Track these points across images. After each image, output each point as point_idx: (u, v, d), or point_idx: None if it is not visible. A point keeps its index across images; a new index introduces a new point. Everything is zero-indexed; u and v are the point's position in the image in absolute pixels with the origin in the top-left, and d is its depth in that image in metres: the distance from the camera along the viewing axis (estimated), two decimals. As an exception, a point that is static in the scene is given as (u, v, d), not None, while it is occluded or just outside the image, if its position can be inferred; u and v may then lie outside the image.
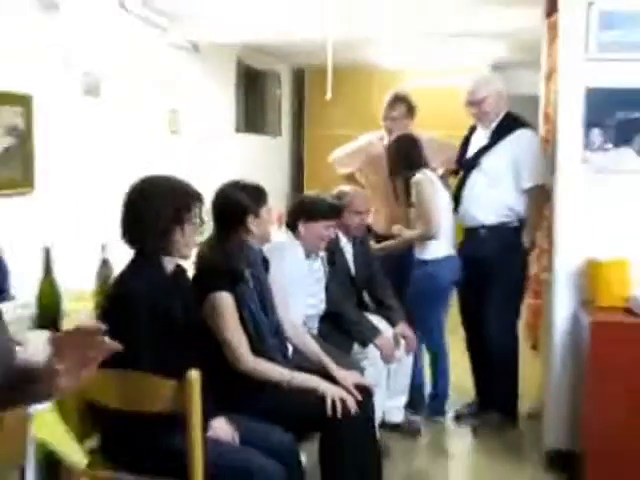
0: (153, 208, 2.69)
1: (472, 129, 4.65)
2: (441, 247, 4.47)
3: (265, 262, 3.37)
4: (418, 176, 4.48)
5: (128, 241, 2.75)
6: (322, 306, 3.94)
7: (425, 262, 4.50)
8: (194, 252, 2.94)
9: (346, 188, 4.38)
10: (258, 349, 3.07)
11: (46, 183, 4.50)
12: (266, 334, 3.16)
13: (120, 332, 2.56)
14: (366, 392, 3.25)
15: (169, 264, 2.76)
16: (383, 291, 4.37)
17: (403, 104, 5.06)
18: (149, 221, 2.69)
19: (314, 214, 3.75)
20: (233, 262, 3.10)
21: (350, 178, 5.26)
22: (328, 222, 3.76)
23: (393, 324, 4.15)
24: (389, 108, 5.07)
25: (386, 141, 5.06)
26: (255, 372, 3.00)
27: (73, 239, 4.18)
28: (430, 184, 4.47)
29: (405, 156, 4.60)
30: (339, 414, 2.97)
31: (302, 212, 3.79)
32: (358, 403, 3.05)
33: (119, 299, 2.68)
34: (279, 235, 3.85)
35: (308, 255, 3.83)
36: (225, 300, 3.01)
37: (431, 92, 7.63)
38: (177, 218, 2.67)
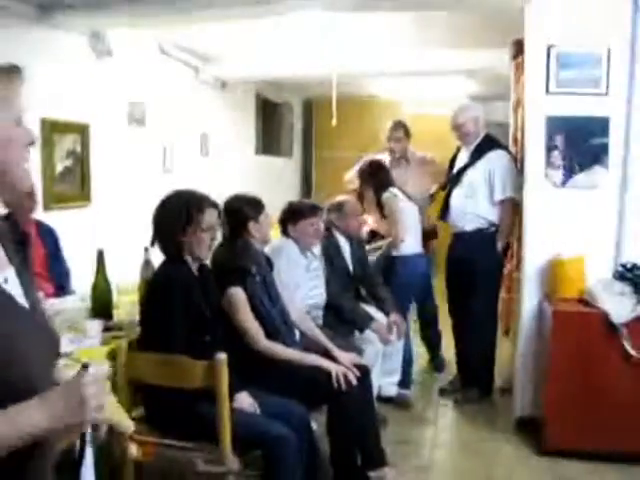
0: (166, 215, 2.74)
1: (458, 149, 4.68)
2: (409, 246, 4.57)
3: (268, 261, 3.39)
4: (386, 194, 4.59)
5: (154, 245, 2.80)
6: (323, 297, 3.93)
7: (395, 258, 4.59)
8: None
9: (344, 197, 4.44)
10: (271, 335, 3.09)
11: (100, 197, 4.55)
12: (277, 322, 3.18)
13: (157, 316, 2.63)
14: (364, 370, 3.27)
15: (193, 264, 2.78)
16: (376, 285, 4.39)
17: (402, 128, 5.25)
18: (163, 227, 2.74)
19: (298, 215, 3.77)
20: (240, 261, 3.12)
21: (355, 192, 5.29)
22: (310, 219, 3.77)
23: (387, 314, 4.16)
24: (392, 131, 5.25)
25: (387, 160, 5.17)
26: (270, 353, 3.02)
27: (121, 243, 4.21)
28: (395, 200, 4.58)
29: (375, 177, 4.66)
30: (343, 387, 2.99)
31: (289, 215, 3.82)
32: (357, 379, 3.07)
33: (157, 288, 2.71)
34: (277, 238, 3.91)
35: (303, 252, 3.82)
36: (237, 295, 3.02)
37: (422, 118, 7.63)
38: (185, 224, 2.69)
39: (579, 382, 3.51)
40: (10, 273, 1.31)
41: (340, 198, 4.40)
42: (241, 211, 3.21)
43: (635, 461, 3.46)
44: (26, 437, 1.13)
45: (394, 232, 4.57)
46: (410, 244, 4.58)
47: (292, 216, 3.78)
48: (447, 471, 3.62)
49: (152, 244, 2.80)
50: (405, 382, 4.47)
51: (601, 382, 3.49)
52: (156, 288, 2.72)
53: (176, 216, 2.72)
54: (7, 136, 1.27)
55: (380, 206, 4.63)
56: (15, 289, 1.30)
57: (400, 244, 4.54)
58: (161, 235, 2.77)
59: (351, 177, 5.45)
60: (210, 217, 2.75)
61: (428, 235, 5.01)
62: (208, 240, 2.76)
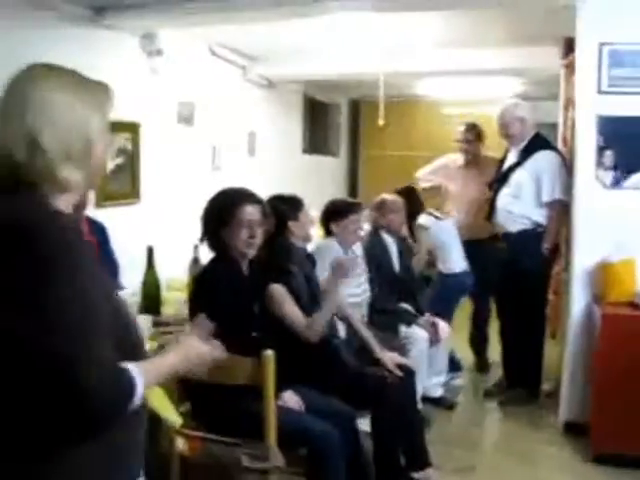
0: (209, 212, 2.77)
1: (507, 150, 4.62)
2: (453, 263, 4.64)
3: (310, 258, 3.39)
4: (419, 221, 4.72)
5: (203, 242, 2.83)
6: (366, 296, 3.92)
7: (439, 275, 4.67)
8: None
9: (385, 195, 4.43)
10: None
11: (150, 195, 4.61)
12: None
13: (204, 313, 2.65)
14: (407, 370, 3.25)
15: (242, 261, 2.79)
16: (416, 288, 4.39)
17: (473, 131, 5.20)
18: (207, 224, 2.77)
19: (339, 213, 3.77)
20: (279, 259, 3.11)
21: (430, 190, 5.40)
22: (351, 217, 3.77)
23: (422, 314, 4.17)
24: (463, 133, 5.21)
25: (460, 161, 5.22)
26: (320, 331, 2.98)
27: (171, 240, 4.25)
28: (423, 233, 4.75)
29: (406, 204, 4.65)
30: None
31: (331, 214, 3.81)
32: (400, 379, 3.06)
33: (203, 284, 2.74)
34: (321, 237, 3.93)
35: (345, 251, 3.81)
36: (277, 290, 3.00)
37: (468, 118, 7.55)
38: (224, 220, 2.71)
39: (627, 387, 3.44)
40: None
41: (382, 196, 4.39)
42: (280, 210, 3.21)
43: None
44: (164, 376, 1.50)
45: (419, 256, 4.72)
46: (454, 261, 4.55)
47: (333, 214, 3.79)
48: (491, 474, 3.57)
49: (201, 241, 2.83)
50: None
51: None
52: (202, 285, 2.76)
53: (216, 213, 2.75)
54: (110, 141, 1.50)
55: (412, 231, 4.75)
56: None
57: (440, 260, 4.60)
58: (206, 232, 2.80)
59: (423, 174, 5.50)
60: (248, 213, 2.73)
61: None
62: (246, 236, 2.73)
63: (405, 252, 4.42)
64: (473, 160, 5.18)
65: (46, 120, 1.35)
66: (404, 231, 4.66)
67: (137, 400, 1.32)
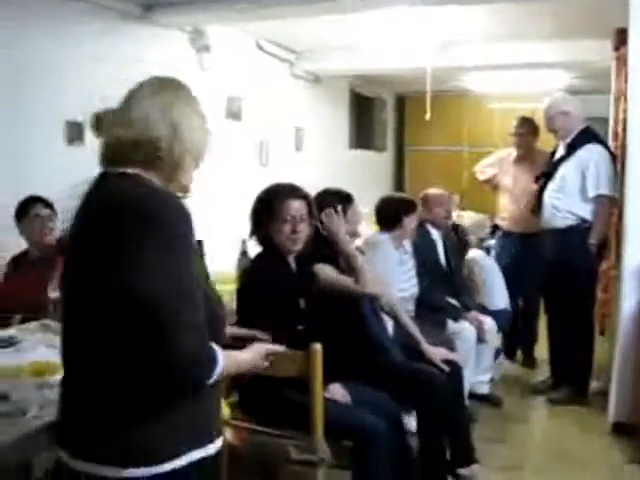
0: (255, 207, 2.79)
1: (557, 144, 4.55)
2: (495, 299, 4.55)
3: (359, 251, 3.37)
4: (470, 255, 4.73)
5: (252, 237, 2.85)
6: (415, 290, 3.90)
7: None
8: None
9: (429, 190, 4.41)
10: (360, 325, 3.09)
11: (199, 189, 4.65)
12: (365, 310, 3.16)
13: (250, 306, 2.68)
14: (454, 365, 3.22)
15: (289, 256, 2.78)
16: (463, 283, 4.37)
17: (526, 124, 5.14)
18: (254, 219, 2.79)
19: (402, 212, 3.75)
20: (326, 250, 3.05)
21: (487, 183, 5.45)
22: (412, 216, 3.78)
23: (468, 309, 4.14)
24: (516, 127, 5.16)
25: (513, 155, 5.18)
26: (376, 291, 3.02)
27: (220, 235, 4.29)
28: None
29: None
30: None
31: (386, 219, 3.80)
32: (447, 374, 3.04)
33: (249, 278, 2.76)
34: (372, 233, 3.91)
35: (397, 247, 3.80)
36: (323, 268, 2.96)
37: (515, 113, 7.45)
38: (268, 215, 2.71)
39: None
40: None
41: (425, 191, 4.37)
42: (328, 204, 3.17)
43: None
44: (235, 369, 1.73)
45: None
46: (496, 298, 4.53)
47: (389, 219, 3.77)
48: (537, 472, 3.53)
49: (250, 236, 2.85)
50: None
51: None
52: (249, 278, 2.78)
53: (262, 208, 2.76)
54: None
55: None
56: None
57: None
58: (254, 227, 2.82)
59: (482, 167, 5.51)
60: (291, 208, 2.71)
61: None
62: (288, 231, 2.71)
63: (450, 247, 4.39)
64: (526, 154, 5.11)
65: (183, 116, 1.63)
66: (448, 225, 4.64)
67: (217, 375, 1.50)
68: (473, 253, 4.83)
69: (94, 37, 4.08)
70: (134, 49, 4.31)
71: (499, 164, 5.33)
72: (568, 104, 4.38)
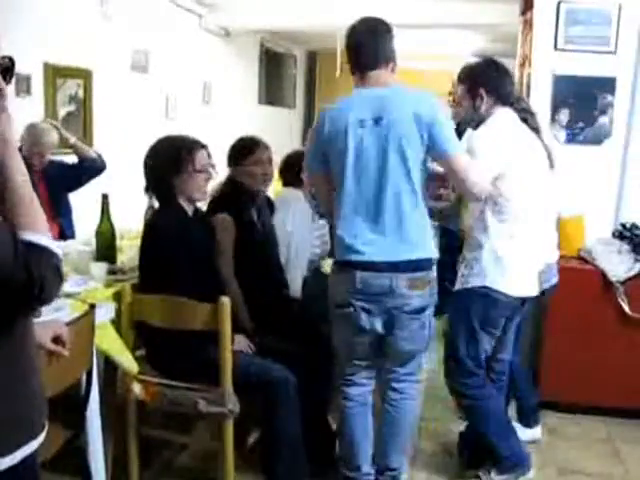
0: (158, 160, 2.72)
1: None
2: None
3: (271, 206, 3.36)
4: None
5: (147, 190, 2.78)
6: (327, 247, 3.92)
7: None
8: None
9: None
10: (266, 280, 3.08)
11: (103, 143, 4.54)
12: (272, 268, 3.18)
13: (158, 261, 2.64)
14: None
15: (188, 208, 2.74)
16: None
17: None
18: (155, 172, 2.72)
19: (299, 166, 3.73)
20: (239, 203, 3.04)
21: None
22: None
23: None
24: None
25: None
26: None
27: (125, 189, 4.20)
28: None
29: None
30: None
31: (290, 167, 3.70)
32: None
33: (154, 232, 2.68)
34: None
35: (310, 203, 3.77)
36: (226, 220, 2.94)
37: (420, 75, 7.56)
38: (178, 166, 2.66)
39: (577, 339, 3.55)
40: None
41: None
42: (237, 148, 3.12)
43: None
44: None
45: None
46: None
47: (293, 167, 3.73)
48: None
49: (146, 190, 2.78)
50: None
51: (598, 340, 3.53)
52: (153, 232, 2.69)
53: (168, 159, 2.68)
54: None
55: None
56: None
57: None
58: (154, 180, 2.74)
59: None
60: (202, 158, 2.70)
61: None
62: (203, 181, 2.71)
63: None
64: None
65: None
66: None
67: None
68: None
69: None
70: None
71: None
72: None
